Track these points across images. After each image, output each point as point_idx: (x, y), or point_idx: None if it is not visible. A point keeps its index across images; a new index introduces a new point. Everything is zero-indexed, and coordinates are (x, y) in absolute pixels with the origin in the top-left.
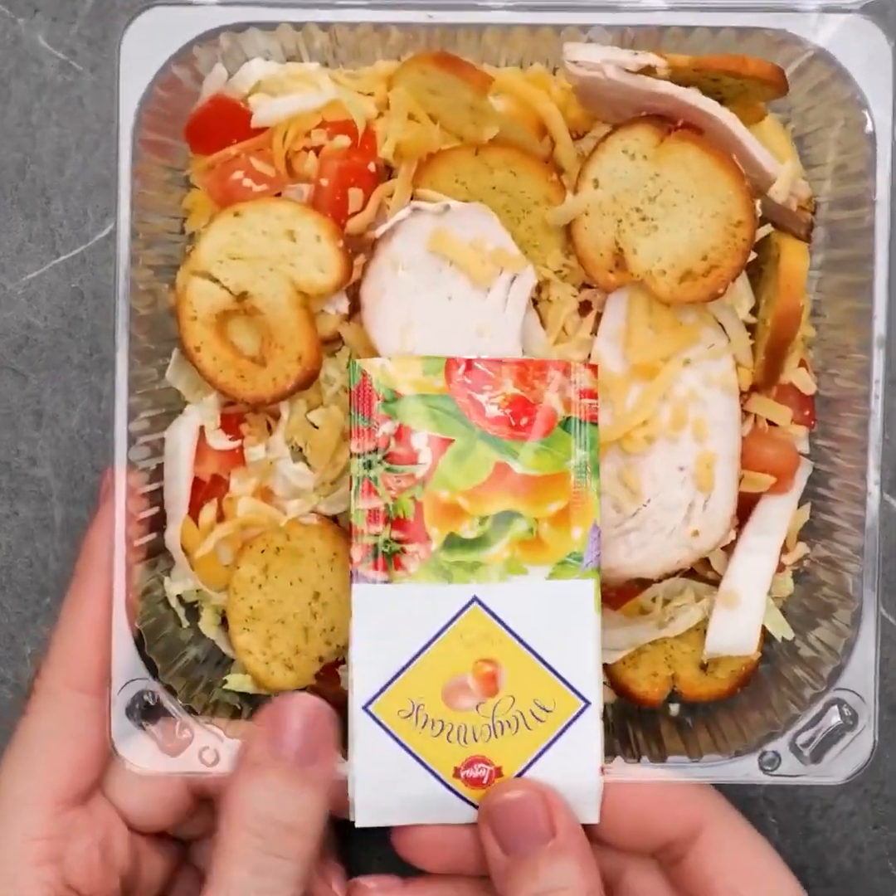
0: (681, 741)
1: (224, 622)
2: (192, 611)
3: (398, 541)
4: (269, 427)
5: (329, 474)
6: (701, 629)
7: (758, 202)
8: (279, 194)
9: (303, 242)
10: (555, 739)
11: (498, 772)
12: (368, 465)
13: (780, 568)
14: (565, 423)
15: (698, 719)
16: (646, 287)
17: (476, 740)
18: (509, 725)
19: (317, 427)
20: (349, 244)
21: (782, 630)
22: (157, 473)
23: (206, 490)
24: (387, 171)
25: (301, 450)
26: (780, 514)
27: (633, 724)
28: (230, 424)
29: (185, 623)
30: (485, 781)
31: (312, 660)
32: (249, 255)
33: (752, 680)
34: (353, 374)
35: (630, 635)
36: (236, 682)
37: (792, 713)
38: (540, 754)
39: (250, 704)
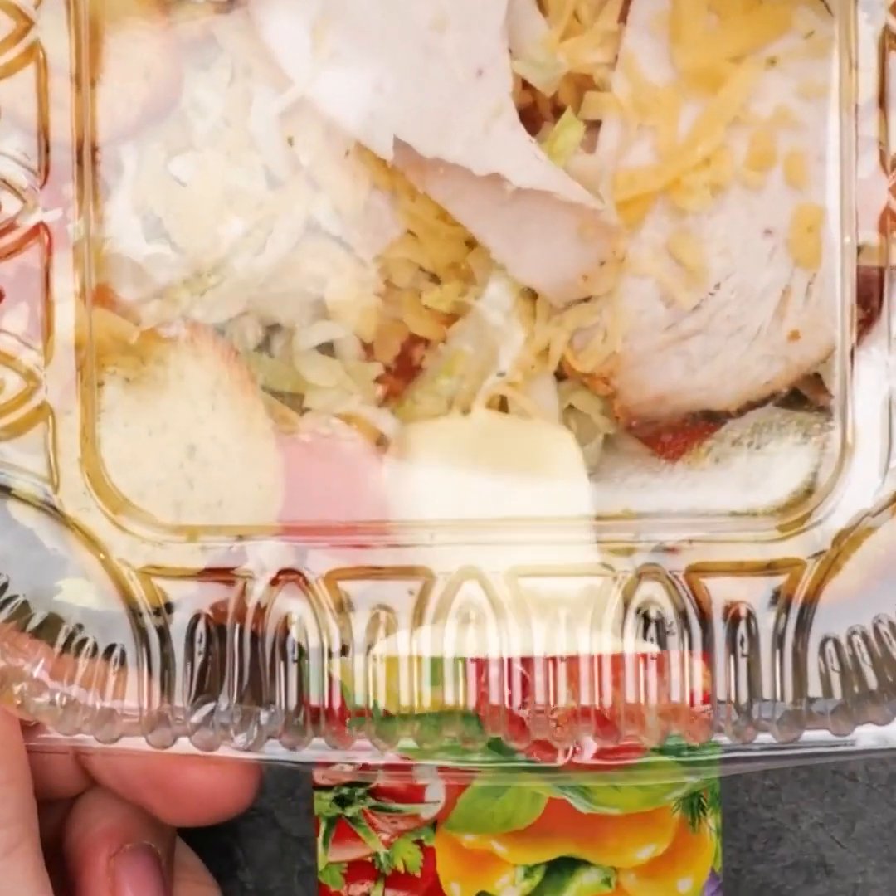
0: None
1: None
2: None
3: None
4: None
5: (207, 259)
6: (808, 489)
7: None
8: None
9: None
10: None
11: None
12: (343, 802)
13: None
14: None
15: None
16: None
17: None
18: None
19: (184, 184)
20: None
21: None
22: None
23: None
24: None
25: (160, 222)
26: None
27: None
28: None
29: None
30: None
31: None
32: None
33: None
34: (314, 680)
35: (697, 505)
36: (74, 589)
37: None
38: None
39: (94, 624)
